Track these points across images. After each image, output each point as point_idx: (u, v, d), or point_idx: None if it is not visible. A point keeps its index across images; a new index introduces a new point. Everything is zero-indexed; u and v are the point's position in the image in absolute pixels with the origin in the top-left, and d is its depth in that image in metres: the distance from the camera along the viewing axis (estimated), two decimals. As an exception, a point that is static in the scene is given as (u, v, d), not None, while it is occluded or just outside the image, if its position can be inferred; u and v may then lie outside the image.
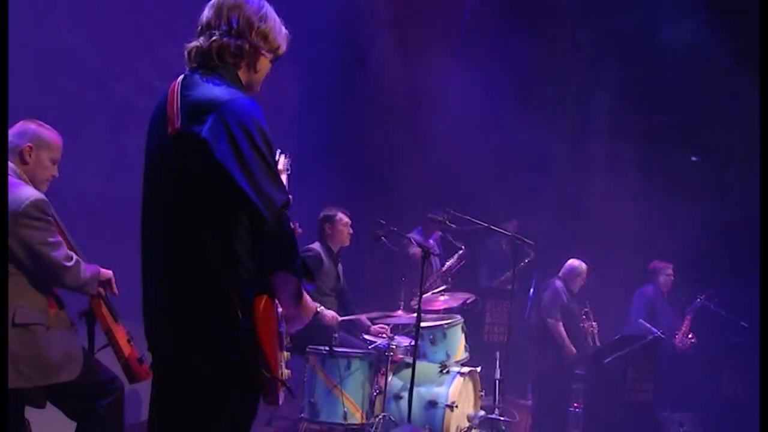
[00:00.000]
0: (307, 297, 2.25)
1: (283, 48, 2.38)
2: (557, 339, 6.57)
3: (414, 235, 7.31)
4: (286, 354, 2.36)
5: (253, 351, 2.05)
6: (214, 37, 2.22)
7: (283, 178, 2.81)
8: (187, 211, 2.09)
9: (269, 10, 2.32)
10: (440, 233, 7.53)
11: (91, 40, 5.02)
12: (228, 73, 2.24)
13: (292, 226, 2.12)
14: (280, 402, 2.21)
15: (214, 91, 2.13)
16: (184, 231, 2.10)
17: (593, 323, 6.78)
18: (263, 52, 2.30)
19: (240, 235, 2.10)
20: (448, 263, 7.30)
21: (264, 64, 2.34)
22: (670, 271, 7.22)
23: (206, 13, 2.28)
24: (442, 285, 6.52)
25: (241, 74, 2.29)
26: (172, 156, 2.11)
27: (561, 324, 6.58)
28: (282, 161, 2.95)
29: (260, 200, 2.00)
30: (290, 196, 2.10)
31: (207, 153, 2.03)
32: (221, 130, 2.03)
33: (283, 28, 2.37)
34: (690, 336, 6.66)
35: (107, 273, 3.29)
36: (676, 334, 6.58)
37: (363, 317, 5.59)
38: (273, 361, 2.10)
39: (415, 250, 6.29)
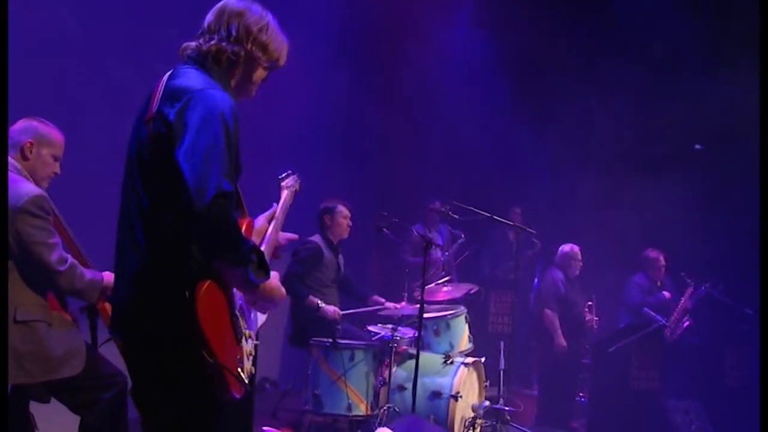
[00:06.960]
0: (270, 280, 2.25)
1: (283, 60, 2.42)
2: (549, 329, 6.59)
3: (417, 227, 7.33)
4: (247, 349, 2.34)
5: (193, 330, 2.06)
6: (212, 42, 2.29)
7: (285, 193, 2.86)
8: (153, 193, 2.15)
9: (271, 22, 2.37)
10: (448, 226, 7.56)
11: (90, 22, 4.98)
12: (217, 75, 2.28)
13: (235, 217, 2.12)
14: (236, 396, 2.18)
15: (193, 80, 2.20)
16: (149, 211, 2.14)
17: (595, 317, 6.76)
18: (260, 62, 2.35)
19: None
20: (448, 253, 7.35)
21: (260, 73, 2.39)
22: (662, 261, 7.03)
23: (208, 17, 2.35)
24: (446, 276, 6.56)
25: (234, 80, 2.34)
26: (144, 137, 2.18)
27: (556, 315, 6.59)
28: (289, 179, 2.97)
29: (194, 183, 2.00)
30: (233, 189, 2.08)
31: (171, 134, 2.09)
32: (185, 113, 2.09)
33: (284, 40, 2.41)
34: (684, 321, 6.60)
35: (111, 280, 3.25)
36: (667, 325, 6.52)
37: (375, 297, 5.66)
38: (216, 347, 2.10)
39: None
